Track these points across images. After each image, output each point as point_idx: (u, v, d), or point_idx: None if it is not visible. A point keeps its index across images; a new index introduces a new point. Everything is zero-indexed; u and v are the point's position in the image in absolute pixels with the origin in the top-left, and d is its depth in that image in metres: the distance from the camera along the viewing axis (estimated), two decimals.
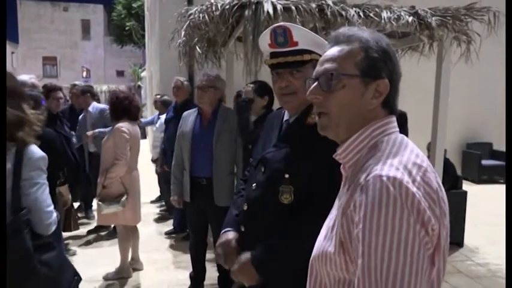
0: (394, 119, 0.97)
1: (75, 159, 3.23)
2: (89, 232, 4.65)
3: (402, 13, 3.16)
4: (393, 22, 3.09)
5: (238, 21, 3.04)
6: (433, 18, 3.23)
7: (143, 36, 18.71)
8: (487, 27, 3.33)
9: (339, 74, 0.93)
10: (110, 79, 29.97)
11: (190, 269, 3.28)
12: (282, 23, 1.50)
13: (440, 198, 0.84)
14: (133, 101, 3.35)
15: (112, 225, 4.44)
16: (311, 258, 1.00)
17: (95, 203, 3.58)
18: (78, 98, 5.01)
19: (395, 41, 3.83)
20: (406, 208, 0.77)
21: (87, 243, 4.42)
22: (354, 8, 3.06)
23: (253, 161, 1.68)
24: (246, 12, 2.84)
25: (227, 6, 2.93)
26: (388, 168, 0.82)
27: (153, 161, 5.49)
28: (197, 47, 3.50)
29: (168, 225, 4.86)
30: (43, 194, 1.55)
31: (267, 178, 1.52)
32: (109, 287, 3.39)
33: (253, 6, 2.83)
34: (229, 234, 1.64)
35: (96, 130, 4.56)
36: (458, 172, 5.45)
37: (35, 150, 1.56)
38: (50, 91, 3.52)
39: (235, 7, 2.90)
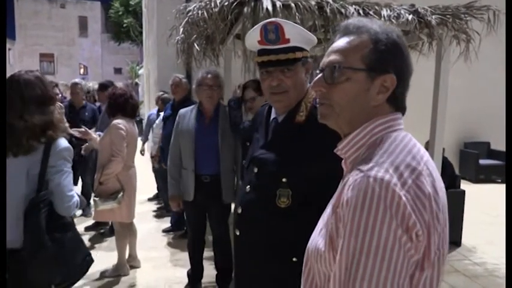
0: (399, 115, 0.93)
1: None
2: (87, 229, 4.63)
3: (402, 11, 3.16)
4: (393, 20, 3.08)
5: (236, 18, 3.03)
6: (433, 16, 3.23)
7: (141, 33, 18.63)
8: (487, 26, 3.33)
9: (343, 67, 0.90)
10: (107, 76, 29.77)
11: (188, 267, 3.27)
12: (273, 19, 1.46)
13: (433, 204, 0.80)
14: (130, 98, 3.33)
15: (110, 223, 4.42)
16: (306, 248, 0.98)
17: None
18: (77, 95, 5.04)
19: None
20: (390, 212, 0.75)
21: (85, 240, 4.39)
22: (353, 6, 3.05)
23: (245, 162, 1.65)
24: (245, 10, 2.83)
25: (226, 3, 2.91)
26: (377, 169, 0.79)
27: (152, 156, 5.48)
28: (195, 44, 3.48)
29: (166, 223, 4.84)
30: (65, 180, 1.75)
31: (262, 181, 1.48)
32: (106, 285, 3.37)
33: (252, 4, 2.82)
34: None
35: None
36: (456, 171, 5.46)
37: (62, 143, 1.77)
38: None
39: (234, 4, 2.89)
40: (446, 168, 4.27)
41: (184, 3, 3.42)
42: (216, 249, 3.18)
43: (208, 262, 3.38)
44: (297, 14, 2.84)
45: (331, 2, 3.00)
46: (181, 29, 3.41)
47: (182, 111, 3.09)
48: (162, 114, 5.10)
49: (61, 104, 4.53)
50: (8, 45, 31.23)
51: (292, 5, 2.87)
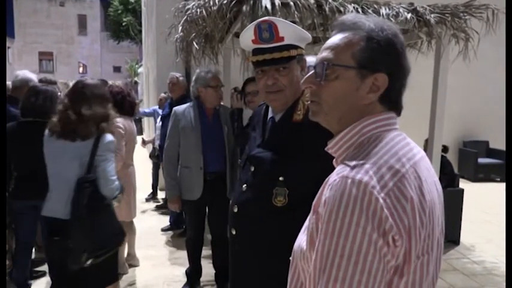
0: (392, 115, 0.90)
1: None
2: None
3: (401, 10, 3.15)
4: (392, 19, 3.07)
5: (235, 16, 3.02)
6: (432, 15, 3.22)
7: (140, 31, 18.58)
8: (485, 25, 3.33)
9: (332, 64, 0.88)
10: (106, 75, 29.80)
11: (187, 266, 3.27)
12: (267, 18, 1.45)
13: (416, 207, 0.77)
14: (128, 96, 3.31)
15: None
16: (294, 246, 0.98)
17: None
18: None
19: None
20: (365, 214, 0.73)
21: None
22: (352, 4, 3.04)
23: (241, 161, 1.64)
24: (244, 8, 2.82)
25: (225, 1, 2.90)
26: (357, 170, 0.78)
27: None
28: (194, 43, 3.46)
29: (165, 222, 4.84)
30: (110, 166, 2.15)
31: (258, 180, 1.48)
32: None
33: (251, 2, 2.80)
34: None
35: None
36: (455, 170, 5.46)
37: (108, 137, 2.17)
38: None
39: (233, 2, 2.87)
40: (445, 167, 4.27)
41: (183, 1, 3.40)
42: (215, 248, 3.17)
43: (207, 261, 3.37)
44: (295, 12, 2.83)
45: (330, 0, 3.00)
46: (180, 27, 3.40)
47: (178, 109, 3.04)
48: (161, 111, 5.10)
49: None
50: (7, 44, 31.17)
51: (291, 3, 2.86)
